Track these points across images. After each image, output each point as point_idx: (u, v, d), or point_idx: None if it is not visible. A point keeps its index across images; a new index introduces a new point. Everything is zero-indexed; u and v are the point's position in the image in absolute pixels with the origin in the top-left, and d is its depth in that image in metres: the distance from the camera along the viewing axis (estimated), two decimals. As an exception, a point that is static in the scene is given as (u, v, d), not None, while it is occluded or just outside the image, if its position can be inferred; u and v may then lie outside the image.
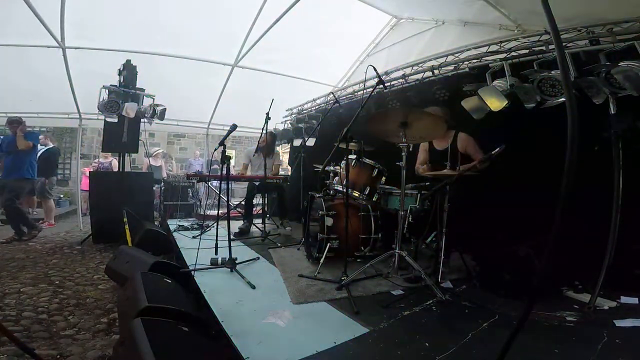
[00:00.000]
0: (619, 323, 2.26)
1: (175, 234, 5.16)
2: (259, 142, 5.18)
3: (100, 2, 5.18)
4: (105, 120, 5.89)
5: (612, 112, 2.73)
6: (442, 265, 2.96)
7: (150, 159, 8.64)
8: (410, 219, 3.12)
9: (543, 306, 2.46)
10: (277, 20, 5.60)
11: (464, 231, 3.25)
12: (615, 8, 2.94)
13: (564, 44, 2.79)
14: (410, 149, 3.02)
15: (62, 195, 10.62)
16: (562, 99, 2.94)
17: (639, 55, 2.58)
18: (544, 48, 3.26)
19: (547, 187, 2.91)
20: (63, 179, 11.51)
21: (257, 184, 5.37)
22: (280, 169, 6.24)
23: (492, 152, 2.74)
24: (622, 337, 2.08)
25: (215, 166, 8.05)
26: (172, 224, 5.97)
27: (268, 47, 6.29)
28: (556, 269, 2.64)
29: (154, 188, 7.49)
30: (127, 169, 6.31)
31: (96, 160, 10.15)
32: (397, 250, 2.92)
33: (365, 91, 5.13)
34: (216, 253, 3.57)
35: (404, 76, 4.77)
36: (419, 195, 3.25)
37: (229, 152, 3.50)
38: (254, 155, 5.69)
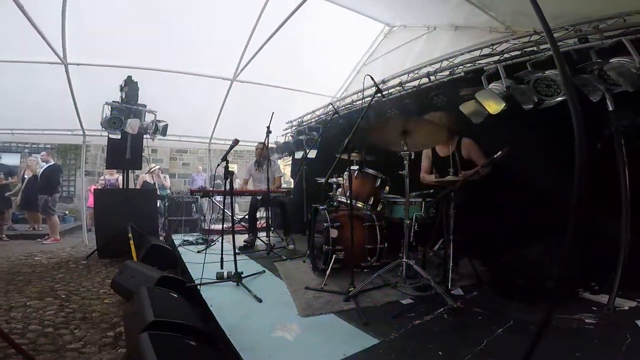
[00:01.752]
0: (642, 323, 2.20)
1: (180, 249, 5.15)
2: (258, 155, 5.19)
3: (100, 19, 5.25)
4: (108, 137, 5.94)
5: (611, 109, 2.71)
6: (451, 272, 2.92)
7: (147, 175, 8.70)
8: (416, 227, 3.09)
9: (560, 309, 2.40)
10: (273, 34, 5.66)
11: (471, 237, 3.22)
12: (599, 5, 2.95)
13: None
14: (412, 157, 3.01)
15: (67, 212, 10.64)
16: (559, 99, 2.94)
17: (629, 51, 2.57)
18: (535, 48, 3.27)
19: (552, 187, 2.91)
20: (68, 195, 11.55)
21: (259, 198, 5.36)
22: (282, 181, 6.23)
23: (495, 156, 2.73)
24: (646, 337, 2.01)
25: (219, 181, 8.06)
26: (177, 238, 5.96)
27: (265, 60, 6.34)
28: (571, 271, 2.60)
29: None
30: (131, 185, 6.33)
31: (102, 178, 10.21)
32: (404, 259, 2.89)
33: (363, 101, 5.18)
34: (222, 267, 3.55)
35: (400, 84, 4.78)
36: (423, 203, 3.22)
37: (231, 166, 3.51)
38: (255, 169, 5.72)
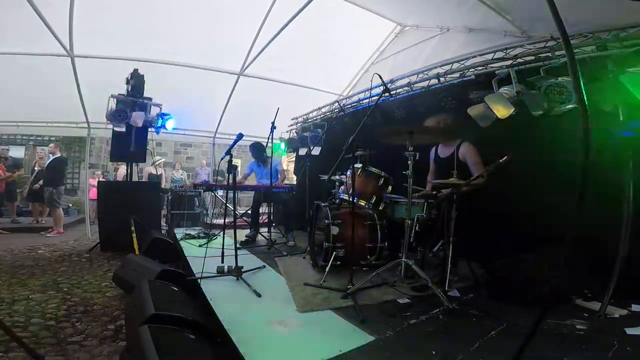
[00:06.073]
0: (630, 331, 2.23)
1: (182, 243, 5.18)
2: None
3: (108, 11, 5.26)
4: (113, 130, 5.97)
5: (621, 119, 2.70)
6: (449, 273, 2.92)
7: (152, 167, 8.74)
8: (417, 227, 3.10)
9: (552, 314, 2.42)
10: (282, 29, 5.65)
11: (471, 239, 3.22)
12: (621, 13, 2.92)
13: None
14: (417, 158, 3.00)
15: (70, 205, 10.71)
16: (570, 106, 2.92)
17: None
18: (549, 54, 3.23)
19: (554, 194, 2.91)
20: (72, 188, 11.61)
21: (263, 193, 5.37)
22: (285, 177, 6.23)
23: (500, 161, 2.72)
24: (633, 345, 2.04)
25: (220, 178, 8.08)
26: (179, 232, 5.98)
27: (273, 55, 6.34)
28: (566, 277, 2.61)
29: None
30: (135, 178, 6.36)
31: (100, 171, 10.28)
32: (403, 259, 2.90)
33: (371, 99, 5.18)
34: (222, 261, 3.58)
35: (409, 84, 4.75)
36: (425, 204, 3.23)
37: (235, 161, 3.51)
38: (257, 166, 5.72)
